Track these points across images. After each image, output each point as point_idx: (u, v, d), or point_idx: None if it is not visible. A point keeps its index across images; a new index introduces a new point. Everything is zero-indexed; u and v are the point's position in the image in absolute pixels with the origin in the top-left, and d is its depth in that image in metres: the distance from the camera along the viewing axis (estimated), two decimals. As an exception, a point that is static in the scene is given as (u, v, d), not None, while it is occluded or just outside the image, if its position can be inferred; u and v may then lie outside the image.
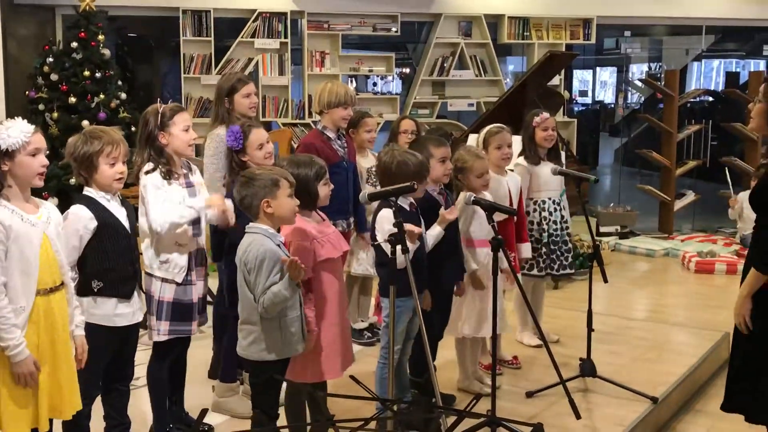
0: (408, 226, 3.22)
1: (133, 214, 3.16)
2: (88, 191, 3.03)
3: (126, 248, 3.05)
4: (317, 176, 3.17)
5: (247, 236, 2.95)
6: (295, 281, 2.86)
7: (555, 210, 4.71)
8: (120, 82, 7.08)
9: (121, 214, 3.06)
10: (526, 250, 4.49)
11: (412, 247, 3.25)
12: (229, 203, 3.34)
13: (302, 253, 3.05)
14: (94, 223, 2.96)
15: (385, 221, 3.28)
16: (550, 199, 4.70)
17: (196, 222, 3.34)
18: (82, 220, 2.96)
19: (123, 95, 7.02)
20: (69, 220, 2.94)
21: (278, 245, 2.94)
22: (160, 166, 3.27)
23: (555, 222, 4.70)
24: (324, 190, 3.20)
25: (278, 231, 3.00)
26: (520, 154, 4.68)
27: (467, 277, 3.86)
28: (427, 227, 3.54)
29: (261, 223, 2.94)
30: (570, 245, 4.79)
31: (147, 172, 3.26)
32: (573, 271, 4.86)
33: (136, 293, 3.12)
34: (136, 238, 3.17)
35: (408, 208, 3.42)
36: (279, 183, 2.92)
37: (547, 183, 4.66)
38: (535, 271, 4.67)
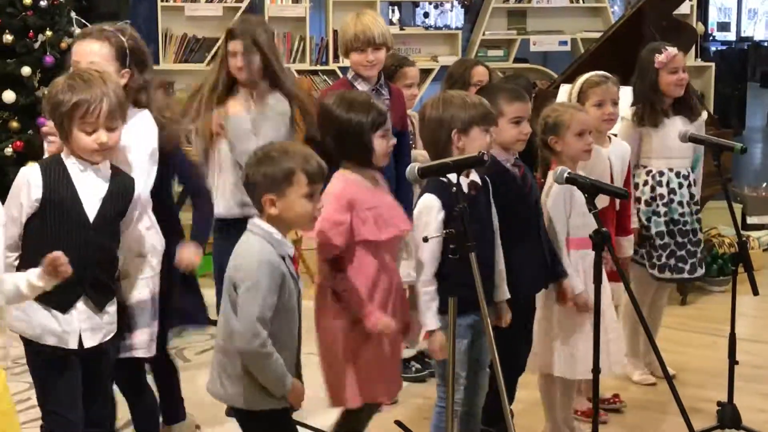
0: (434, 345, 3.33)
1: (123, 197, 3.14)
2: (63, 154, 3.08)
3: (80, 242, 3.05)
4: (374, 125, 3.27)
5: (245, 236, 3.00)
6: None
7: (681, 186, 4.68)
8: (73, 14, 7.16)
9: (93, 193, 3.07)
10: (628, 245, 4.45)
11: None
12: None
13: (330, 229, 3.17)
14: (37, 193, 2.99)
15: (431, 216, 3.33)
16: (671, 170, 4.66)
17: None
18: (24, 183, 3.01)
19: (77, 31, 7.09)
20: (16, 180, 3.03)
21: (283, 257, 2.95)
22: None
23: (681, 203, 4.66)
24: (381, 144, 3.30)
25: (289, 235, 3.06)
26: (635, 114, 4.66)
27: (563, 291, 3.86)
28: (501, 210, 3.54)
29: (265, 221, 2.97)
30: (700, 236, 4.75)
31: None
32: (692, 276, 4.78)
33: (82, 307, 3.11)
34: (109, 232, 3.14)
35: (467, 189, 3.39)
36: (293, 177, 2.93)
37: (669, 146, 4.59)
38: (647, 269, 4.65)
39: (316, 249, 3.31)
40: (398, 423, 3.36)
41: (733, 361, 4.18)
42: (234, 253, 2.96)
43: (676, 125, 4.57)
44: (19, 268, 3.02)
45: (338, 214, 3.22)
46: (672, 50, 4.59)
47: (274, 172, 2.93)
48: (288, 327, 2.99)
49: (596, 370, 3.44)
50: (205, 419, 4.27)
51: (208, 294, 5.97)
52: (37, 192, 3.00)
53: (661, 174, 4.65)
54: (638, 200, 4.65)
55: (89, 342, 3.14)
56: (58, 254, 2.78)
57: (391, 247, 3.37)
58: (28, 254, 3.03)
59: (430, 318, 3.36)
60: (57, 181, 3.02)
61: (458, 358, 3.42)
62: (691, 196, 4.70)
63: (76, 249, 3.02)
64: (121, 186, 3.14)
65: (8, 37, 6.64)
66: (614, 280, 4.06)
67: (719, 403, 4.22)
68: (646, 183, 4.65)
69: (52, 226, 3.02)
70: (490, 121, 3.46)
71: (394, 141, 3.38)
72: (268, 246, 2.93)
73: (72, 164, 3.05)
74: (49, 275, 2.80)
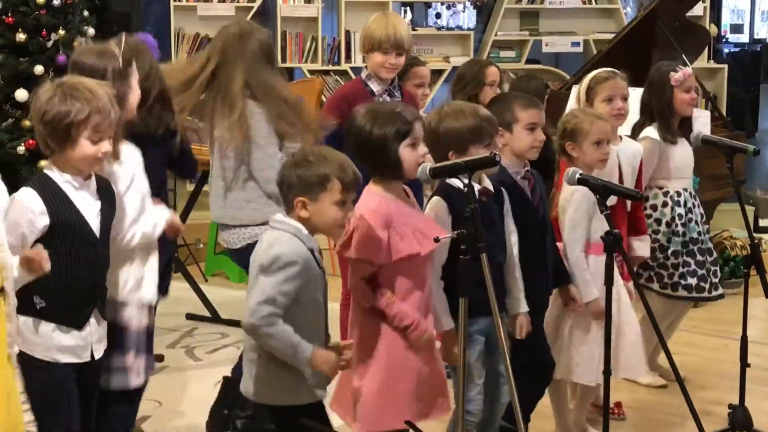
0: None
1: (111, 209, 3.15)
2: (49, 171, 3.02)
3: (90, 260, 3.05)
4: (398, 135, 3.16)
5: (269, 233, 3.00)
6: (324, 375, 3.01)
7: (694, 205, 4.69)
8: (86, 13, 7.18)
9: (91, 209, 3.05)
10: (644, 246, 4.44)
11: None
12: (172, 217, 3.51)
13: (370, 247, 3.09)
14: (44, 221, 2.94)
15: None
16: (686, 190, 4.68)
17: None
18: (26, 213, 2.93)
19: (90, 31, 7.11)
20: (12, 208, 2.92)
21: (311, 250, 2.98)
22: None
23: (697, 222, 4.67)
24: (410, 154, 3.17)
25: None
26: (645, 122, 4.64)
27: (570, 297, 3.85)
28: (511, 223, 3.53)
29: (293, 218, 2.99)
30: (715, 255, 4.76)
31: None
32: (712, 295, 4.77)
33: (94, 321, 3.10)
34: (107, 243, 3.14)
35: (478, 195, 3.36)
36: (327, 183, 2.94)
37: (680, 166, 4.63)
38: (668, 290, 4.65)
39: (350, 266, 3.24)
40: (408, 423, 3.36)
41: (744, 364, 4.16)
42: (259, 249, 2.98)
43: (684, 145, 4.61)
44: (25, 295, 2.94)
45: (376, 231, 3.13)
46: (686, 70, 4.62)
47: (309, 176, 2.95)
48: (315, 318, 3.03)
49: (607, 372, 3.42)
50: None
51: (216, 292, 6.02)
52: (44, 220, 2.94)
53: (679, 195, 4.66)
54: (658, 222, 4.64)
55: (98, 353, 3.13)
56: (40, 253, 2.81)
57: (428, 261, 3.27)
58: (37, 281, 2.93)
59: (446, 318, 3.32)
60: (59, 204, 2.98)
61: (471, 364, 3.40)
62: (701, 215, 4.73)
63: (88, 267, 3.05)
64: (108, 194, 3.13)
65: (21, 36, 6.67)
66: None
67: (731, 406, 4.21)
68: (665, 204, 4.65)
69: (61, 249, 2.98)
70: (489, 135, 3.39)
71: (424, 151, 3.23)
72: (296, 240, 2.95)
73: (65, 182, 3.00)
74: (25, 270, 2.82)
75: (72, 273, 3.01)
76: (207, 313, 5.80)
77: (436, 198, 3.37)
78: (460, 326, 3.01)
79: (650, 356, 4.83)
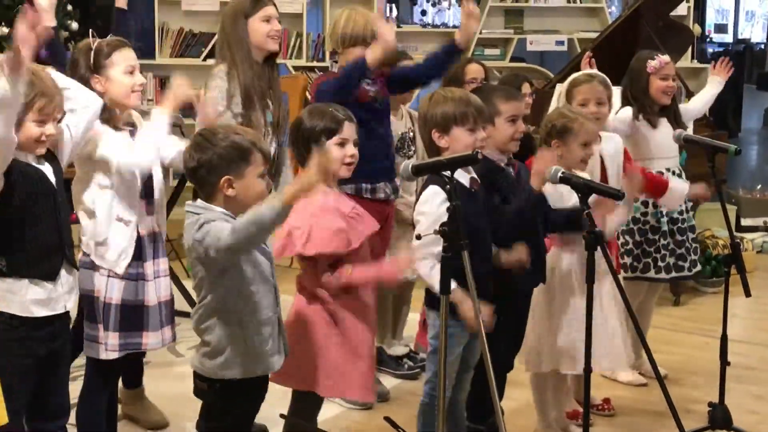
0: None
1: (60, 171, 3.17)
2: None
3: (51, 209, 3.08)
4: (326, 131, 3.29)
5: (189, 217, 2.95)
6: None
7: None
8: (70, 7, 7.16)
9: (42, 165, 3.09)
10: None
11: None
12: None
13: (336, 239, 3.19)
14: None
15: (434, 204, 3.30)
16: (668, 170, 4.70)
17: (148, 193, 3.49)
18: None
19: (74, 25, 7.10)
20: None
21: None
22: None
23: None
24: (337, 152, 3.29)
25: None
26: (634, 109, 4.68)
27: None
28: (497, 207, 3.54)
29: (215, 204, 2.94)
30: (695, 234, 4.78)
31: None
32: (692, 273, 4.84)
33: (63, 271, 3.13)
34: (65, 197, 3.20)
35: (469, 185, 3.43)
36: (250, 156, 2.92)
37: (661, 146, 4.67)
38: (651, 273, 4.66)
39: (310, 265, 3.31)
40: (387, 419, 3.37)
41: (724, 362, 4.18)
42: (186, 233, 2.93)
43: (667, 126, 4.65)
44: None
45: (336, 222, 3.21)
46: (664, 58, 4.66)
47: (229, 153, 2.90)
48: (265, 293, 3.03)
49: (587, 369, 3.44)
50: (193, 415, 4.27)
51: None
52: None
53: (661, 174, 4.67)
54: (645, 204, 4.68)
55: (69, 304, 3.18)
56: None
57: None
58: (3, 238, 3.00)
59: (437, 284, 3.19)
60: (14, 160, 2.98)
61: (451, 360, 3.40)
62: None
63: (51, 217, 3.07)
64: (56, 163, 3.15)
65: (4, 29, 6.65)
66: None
67: (710, 404, 4.23)
68: None
69: (20, 201, 3.00)
70: (472, 120, 3.42)
71: (353, 152, 3.35)
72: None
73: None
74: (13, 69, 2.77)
75: (36, 225, 3.02)
76: (189, 309, 5.78)
77: (431, 186, 3.35)
78: (441, 324, 3.02)
79: (637, 354, 4.85)
